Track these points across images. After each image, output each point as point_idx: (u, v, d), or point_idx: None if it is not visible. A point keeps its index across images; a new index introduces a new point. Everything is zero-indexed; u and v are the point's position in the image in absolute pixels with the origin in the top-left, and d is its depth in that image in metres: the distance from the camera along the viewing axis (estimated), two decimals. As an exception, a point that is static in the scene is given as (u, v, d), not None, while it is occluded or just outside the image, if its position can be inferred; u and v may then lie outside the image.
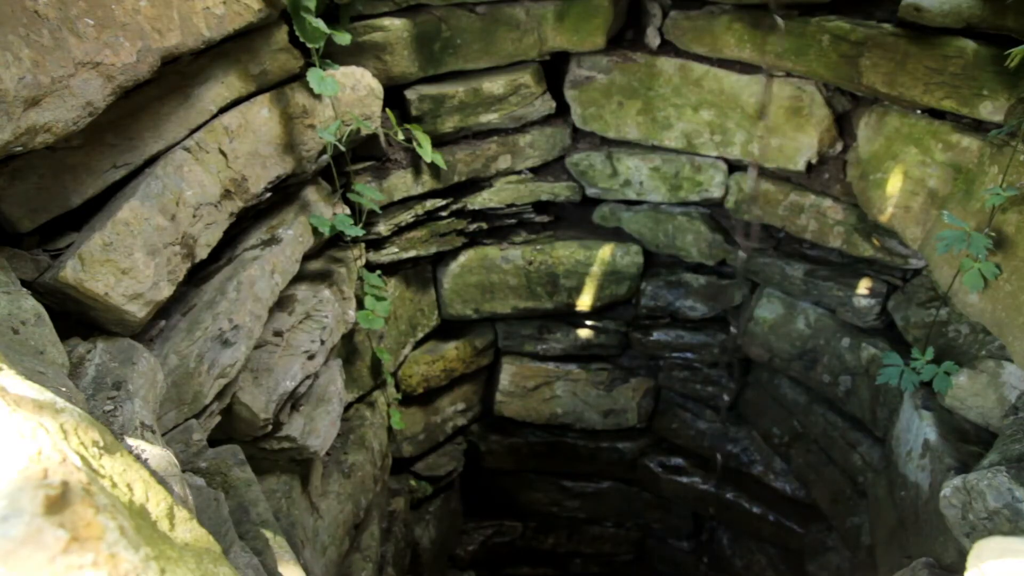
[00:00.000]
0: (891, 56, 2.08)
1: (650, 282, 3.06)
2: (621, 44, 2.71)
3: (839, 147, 2.50)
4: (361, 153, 2.47)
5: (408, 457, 3.14)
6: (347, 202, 2.41)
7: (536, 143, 2.79)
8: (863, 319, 2.53)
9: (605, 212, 3.02)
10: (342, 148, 2.13)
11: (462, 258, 2.91)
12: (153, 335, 1.54)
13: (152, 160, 1.60)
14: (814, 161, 2.50)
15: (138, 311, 1.41)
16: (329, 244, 2.44)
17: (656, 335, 3.17)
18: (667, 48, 2.64)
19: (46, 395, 0.77)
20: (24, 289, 1.19)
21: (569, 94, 2.77)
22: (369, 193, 2.32)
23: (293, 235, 2.05)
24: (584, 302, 3.04)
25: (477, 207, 2.80)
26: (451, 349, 3.08)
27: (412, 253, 2.67)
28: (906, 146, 2.17)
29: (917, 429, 2.09)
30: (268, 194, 1.98)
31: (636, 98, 2.69)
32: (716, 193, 2.77)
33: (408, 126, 2.44)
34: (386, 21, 2.31)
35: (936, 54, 1.99)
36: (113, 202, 1.49)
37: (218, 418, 1.72)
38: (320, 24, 1.92)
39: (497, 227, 2.96)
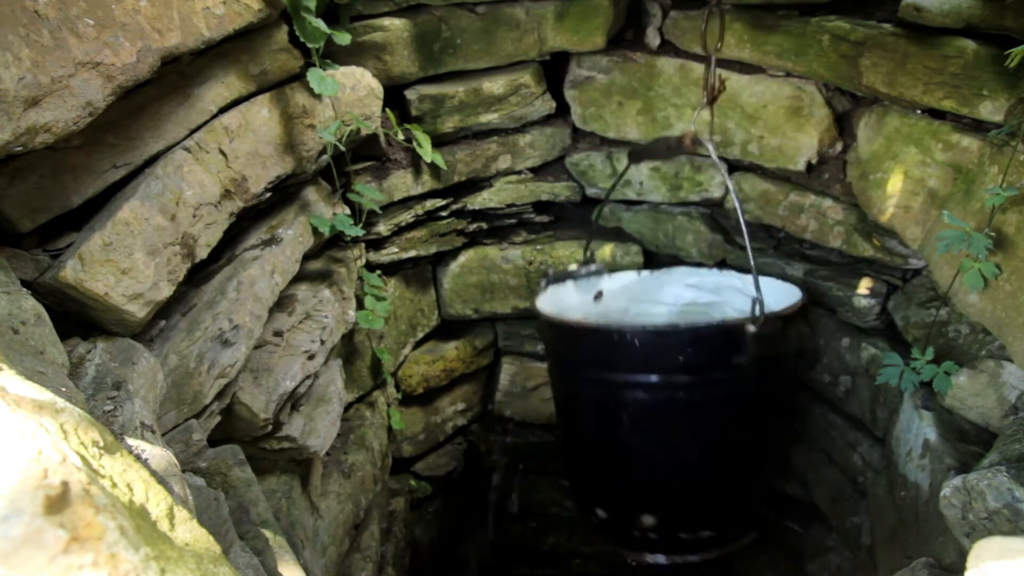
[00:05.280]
0: (891, 56, 2.08)
1: (650, 282, 3.06)
2: (621, 44, 2.71)
3: (839, 147, 2.50)
4: (361, 153, 2.47)
5: (408, 457, 3.14)
6: (347, 202, 2.41)
7: (536, 143, 2.79)
8: (863, 319, 2.53)
9: (605, 212, 3.02)
10: (342, 148, 2.13)
11: (462, 258, 2.91)
12: (153, 335, 1.54)
13: (152, 160, 1.60)
14: (814, 161, 2.50)
15: (138, 311, 1.41)
16: (329, 244, 2.44)
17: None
18: (667, 48, 2.65)
19: (46, 395, 0.77)
20: (24, 289, 1.19)
21: (569, 94, 2.77)
22: (369, 193, 2.32)
23: (293, 235, 2.05)
24: (584, 302, 3.04)
25: (477, 207, 2.80)
26: (451, 349, 3.08)
27: (412, 253, 2.67)
28: (906, 146, 2.17)
29: (917, 429, 2.09)
30: (268, 194, 1.98)
31: (636, 98, 2.69)
32: (716, 193, 2.77)
33: (408, 126, 2.44)
34: (386, 21, 2.31)
35: (936, 54, 1.98)
36: (113, 202, 1.49)
37: (218, 418, 1.72)
38: (320, 24, 1.92)
39: (497, 227, 2.96)
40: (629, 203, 2.96)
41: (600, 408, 2.29)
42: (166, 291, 1.49)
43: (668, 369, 2.09)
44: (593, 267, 2.78)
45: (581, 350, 2.27)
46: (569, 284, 2.70)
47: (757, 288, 1.97)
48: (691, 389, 2.13)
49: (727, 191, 2.76)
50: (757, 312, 1.97)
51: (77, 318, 1.38)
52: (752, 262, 2.00)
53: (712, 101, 2.17)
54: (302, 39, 1.94)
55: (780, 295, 2.34)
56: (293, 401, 2.01)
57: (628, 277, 2.84)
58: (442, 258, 2.92)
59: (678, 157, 2.74)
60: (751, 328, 1.99)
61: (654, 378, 2.10)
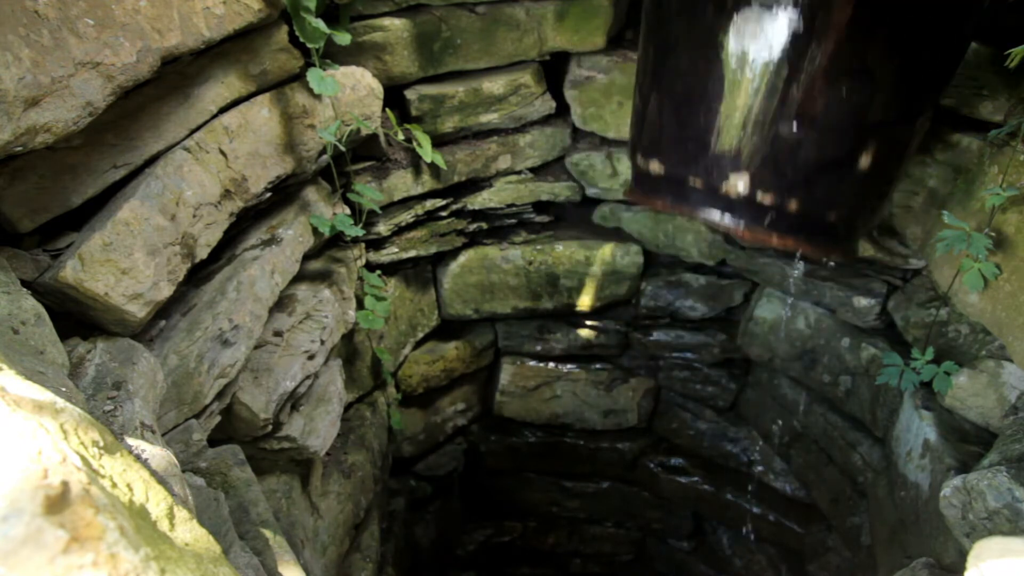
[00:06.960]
0: (891, 56, 2.08)
1: (650, 282, 3.06)
2: (621, 44, 2.71)
3: (839, 147, 2.50)
4: (361, 153, 2.47)
5: (408, 457, 3.14)
6: (347, 202, 2.40)
7: (536, 143, 2.79)
8: (863, 319, 2.53)
9: (605, 212, 3.02)
10: (342, 148, 2.13)
11: (462, 258, 2.91)
12: (153, 335, 1.54)
13: (152, 160, 1.60)
14: (814, 161, 2.50)
15: (138, 311, 1.41)
16: (329, 244, 2.44)
17: (656, 335, 3.18)
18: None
19: (46, 395, 0.77)
20: (24, 289, 1.19)
21: (569, 94, 2.77)
22: (369, 193, 2.32)
23: (293, 235, 2.05)
24: (584, 302, 3.04)
25: (477, 207, 2.80)
26: (451, 349, 3.08)
27: (412, 253, 2.67)
28: (906, 146, 2.17)
29: (917, 429, 2.09)
30: (268, 194, 1.98)
31: (636, 98, 2.68)
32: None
33: (408, 126, 2.44)
34: (386, 21, 2.31)
35: (936, 54, 1.98)
36: (113, 202, 1.49)
37: (218, 418, 1.72)
38: (320, 24, 1.92)
39: (497, 227, 2.96)
40: (629, 203, 2.96)
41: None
42: (166, 291, 1.49)
43: None
44: None
45: None
46: None
47: None
48: None
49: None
50: None
51: (77, 318, 1.38)
52: None
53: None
54: (302, 39, 1.94)
55: None
56: (293, 401, 2.01)
57: None
58: (442, 258, 2.92)
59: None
60: None
61: None
